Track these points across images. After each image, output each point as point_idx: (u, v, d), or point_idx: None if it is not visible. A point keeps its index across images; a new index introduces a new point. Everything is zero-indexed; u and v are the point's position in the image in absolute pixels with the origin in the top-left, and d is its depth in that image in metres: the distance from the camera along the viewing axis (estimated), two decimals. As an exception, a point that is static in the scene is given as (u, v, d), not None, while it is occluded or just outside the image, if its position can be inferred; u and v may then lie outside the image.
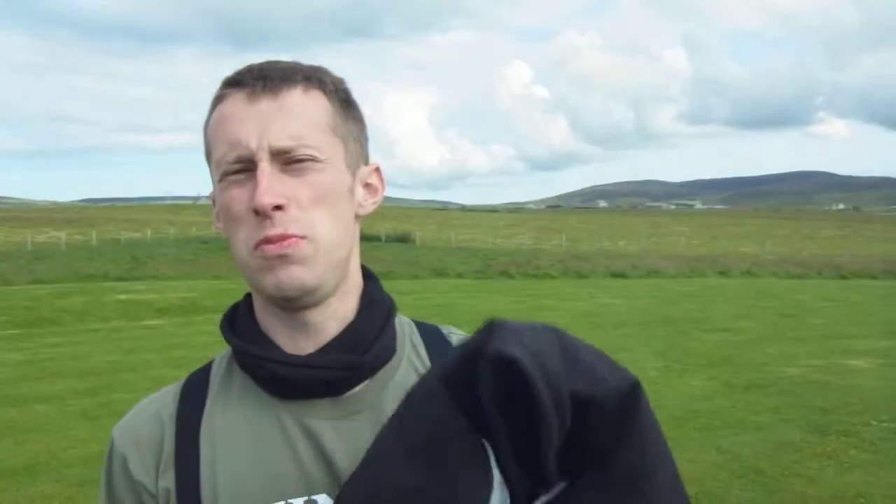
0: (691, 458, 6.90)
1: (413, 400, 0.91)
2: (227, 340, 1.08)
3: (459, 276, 28.77)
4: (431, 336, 1.15)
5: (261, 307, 1.07)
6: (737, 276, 30.51)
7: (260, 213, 0.96)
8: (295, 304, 1.01)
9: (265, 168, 0.96)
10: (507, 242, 53.54)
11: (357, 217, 1.07)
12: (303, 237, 0.97)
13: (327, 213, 1.00)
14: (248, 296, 1.12)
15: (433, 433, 0.86)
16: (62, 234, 47.69)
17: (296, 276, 0.98)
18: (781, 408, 8.89)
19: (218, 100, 1.03)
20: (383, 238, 46.02)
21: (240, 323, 1.09)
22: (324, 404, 1.02)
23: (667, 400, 9.15)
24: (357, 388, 1.04)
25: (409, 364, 1.09)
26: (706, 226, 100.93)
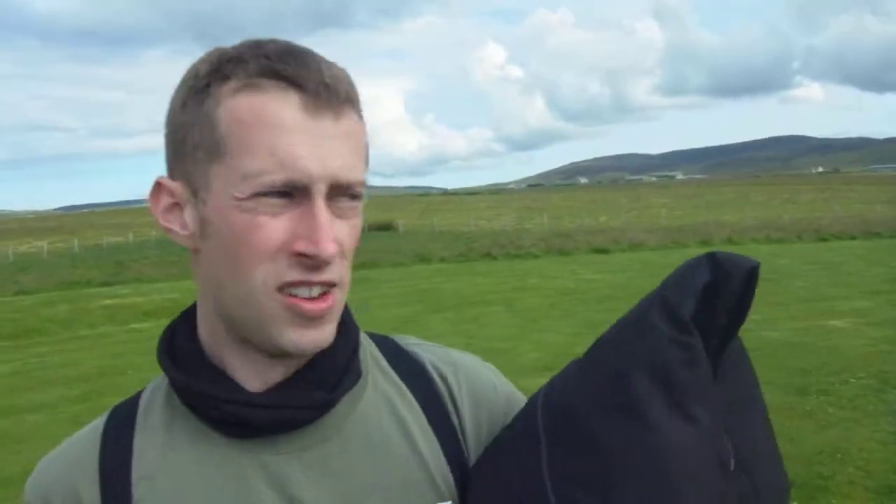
0: (673, 426, 7.05)
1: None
2: (171, 377, 0.92)
3: (442, 260, 28.84)
4: (389, 348, 1.04)
5: (221, 338, 0.92)
6: (718, 244, 30.67)
7: (308, 258, 0.83)
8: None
9: (323, 207, 0.83)
10: (489, 224, 53.67)
11: None
12: (337, 286, 0.88)
13: (350, 259, 0.90)
14: (185, 316, 0.98)
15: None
16: (44, 244, 47.48)
17: (324, 337, 0.88)
18: (762, 372, 8.72)
19: (251, 87, 0.83)
20: (366, 228, 45.81)
21: (182, 352, 0.93)
22: (285, 438, 0.91)
23: (649, 371, 9.15)
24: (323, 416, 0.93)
25: (374, 383, 0.99)
26: (687, 196, 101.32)
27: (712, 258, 0.88)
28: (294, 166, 0.81)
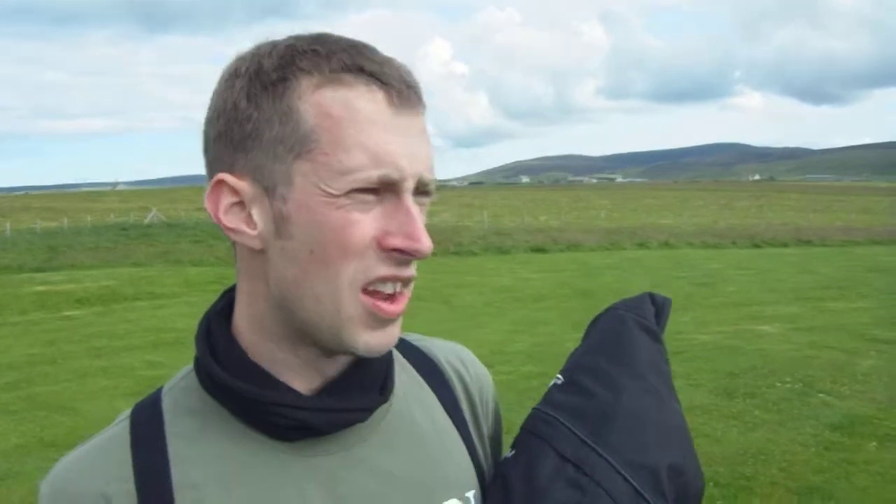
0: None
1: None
2: (222, 381, 0.88)
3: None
4: (402, 344, 1.06)
5: (273, 339, 0.89)
6: (655, 247, 31.12)
7: (403, 253, 0.84)
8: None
9: (412, 203, 0.84)
10: (428, 220, 53.14)
11: None
12: (409, 286, 0.88)
13: None
14: (218, 315, 0.94)
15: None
16: (-26, 226, 46.25)
17: (393, 338, 0.89)
18: (692, 373, 9.22)
19: (335, 82, 0.83)
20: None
21: (226, 354, 0.90)
22: (331, 438, 0.91)
23: (583, 370, 9.27)
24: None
25: (400, 380, 1.00)
26: (626, 199, 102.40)
27: (651, 298, 1.19)
28: (389, 163, 0.81)
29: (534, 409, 1.07)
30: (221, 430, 0.88)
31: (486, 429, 1.09)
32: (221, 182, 0.85)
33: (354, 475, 0.90)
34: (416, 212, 0.84)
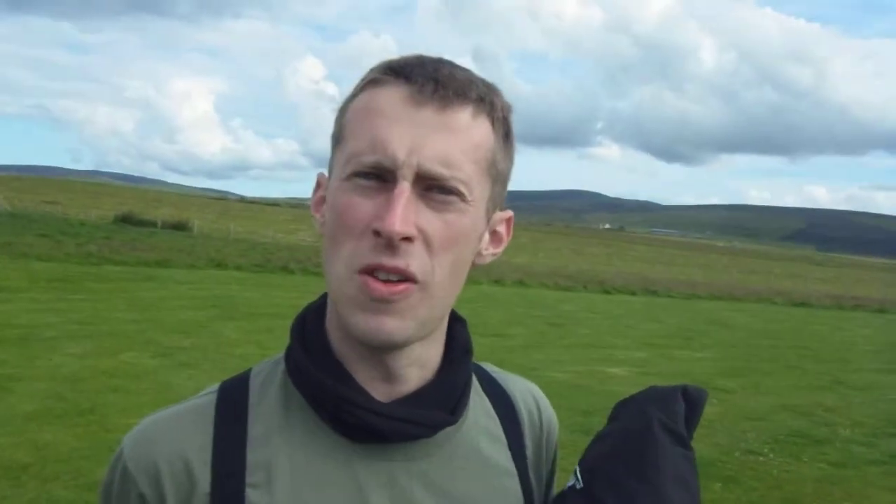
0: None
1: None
2: (308, 375, 0.93)
3: (238, 268, 27.97)
4: (480, 374, 1.10)
5: (338, 331, 0.94)
6: (509, 285, 31.59)
7: (380, 237, 0.84)
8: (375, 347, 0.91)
9: (404, 190, 0.84)
10: (287, 237, 52.76)
11: (472, 265, 0.96)
12: (416, 282, 0.86)
13: (451, 260, 0.89)
14: (319, 307, 1.00)
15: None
16: None
17: (388, 328, 0.87)
18: (548, 410, 9.30)
19: (372, 83, 0.90)
20: (159, 224, 44.11)
21: (314, 347, 0.96)
22: (396, 448, 0.94)
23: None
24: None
25: (474, 407, 1.04)
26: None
27: (685, 392, 1.08)
28: (383, 149, 0.85)
29: None
30: (300, 419, 0.94)
31: (545, 473, 1.12)
32: (319, 177, 0.98)
33: (412, 485, 0.94)
34: (402, 196, 0.84)
